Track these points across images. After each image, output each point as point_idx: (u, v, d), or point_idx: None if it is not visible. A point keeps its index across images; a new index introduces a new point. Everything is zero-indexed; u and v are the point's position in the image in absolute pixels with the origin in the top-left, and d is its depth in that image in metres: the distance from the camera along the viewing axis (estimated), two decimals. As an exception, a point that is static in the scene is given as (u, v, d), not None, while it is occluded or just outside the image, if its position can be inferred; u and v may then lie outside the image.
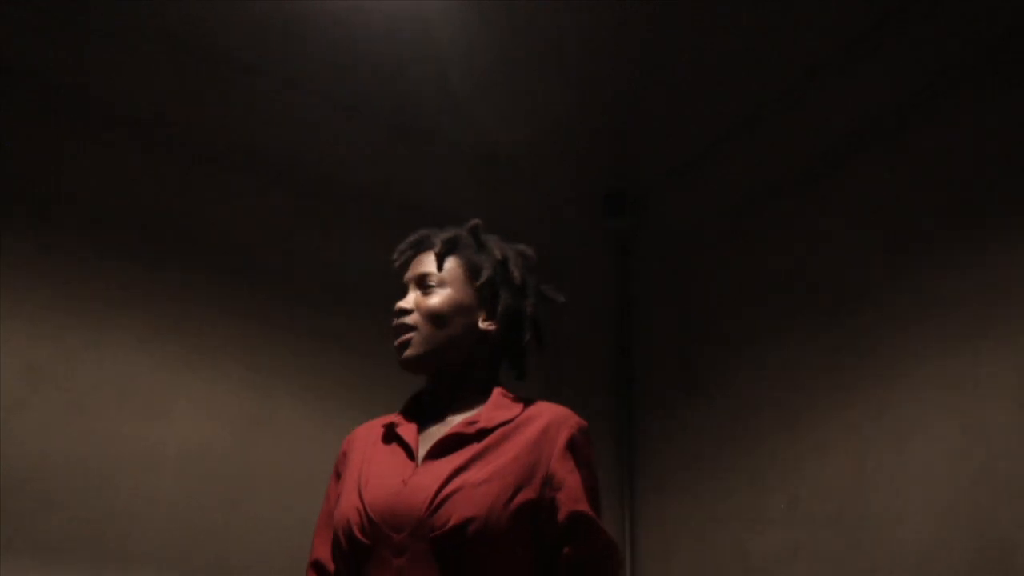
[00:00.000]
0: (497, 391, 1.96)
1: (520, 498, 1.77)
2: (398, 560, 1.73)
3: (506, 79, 3.71)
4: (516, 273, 2.02)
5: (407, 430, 1.91)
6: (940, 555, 2.98)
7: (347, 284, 3.79)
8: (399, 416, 1.97)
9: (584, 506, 1.80)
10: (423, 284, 1.98)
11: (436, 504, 1.74)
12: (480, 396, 1.95)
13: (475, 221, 2.07)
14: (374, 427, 1.99)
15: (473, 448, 1.83)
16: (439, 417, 1.94)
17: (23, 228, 3.30)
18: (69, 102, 3.46)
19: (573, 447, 1.85)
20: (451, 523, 1.72)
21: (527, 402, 1.94)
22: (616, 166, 4.21)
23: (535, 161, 4.10)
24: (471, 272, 1.99)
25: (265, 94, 3.70)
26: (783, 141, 3.76)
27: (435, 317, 1.94)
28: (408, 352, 1.93)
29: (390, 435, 1.93)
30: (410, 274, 2.01)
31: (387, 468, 1.85)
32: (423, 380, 2.01)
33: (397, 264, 2.06)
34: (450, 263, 1.99)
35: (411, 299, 1.97)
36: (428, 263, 2.00)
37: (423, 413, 1.97)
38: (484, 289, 1.99)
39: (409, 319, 1.95)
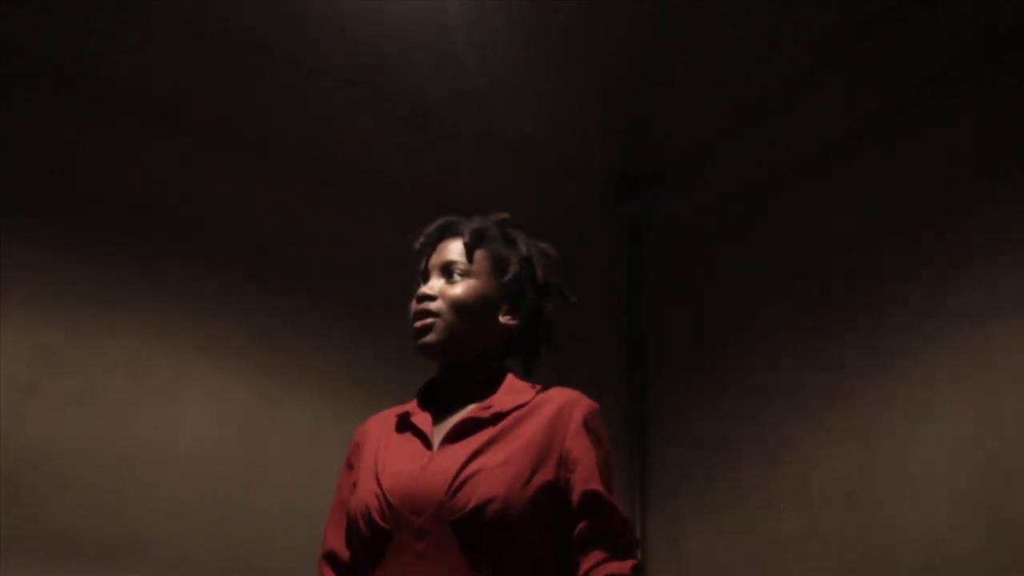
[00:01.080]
0: (510, 376, 1.99)
1: (537, 479, 1.80)
2: (419, 544, 1.75)
3: (518, 63, 3.71)
4: (540, 272, 2.04)
5: (421, 419, 1.93)
6: (952, 539, 3.01)
7: (359, 271, 3.81)
8: (412, 406, 1.98)
9: (598, 485, 1.83)
10: (448, 272, 1.98)
11: (456, 486, 1.76)
12: (492, 385, 1.97)
13: (504, 215, 2.08)
14: (387, 417, 2.00)
15: (489, 432, 1.85)
16: (453, 406, 1.95)
17: (37, 214, 3.32)
18: (82, 87, 3.48)
19: (587, 427, 1.89)
20: (471, 505, 1.74)
21: (539, 387, 1.97)
22: (628, 151, 4.19)
23: (546, 146, 4.07)
24: (498, 266, 2.00)
25: (276, 78, 3.71)
26: (798, 127, 3.77)
27: (460, 307, 1.94)
28: (428, 337, 1.93)
29: (404, 424, 1.95)
30: (435, 260, 2.01)
31: (404, 455, 1.87)
32: (434, 368, 2.03)
33: (419, 248, 2.06)
34: (478, 255, 2.00)
35: (435, 286, 1.97)
36: (455, 251, 2.00)
37: (436, 402, 1.98)
38: (509, 285, 2.00)
39: (433, 305, 1.95)
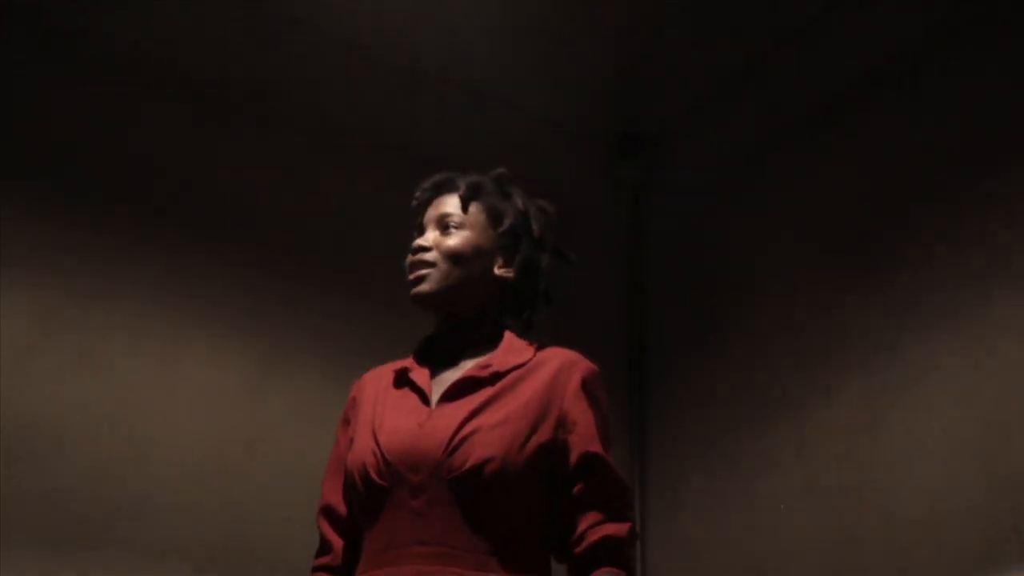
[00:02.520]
0: (509, 335, 1.98)
1: (535, 440, 1.80)
2: (415, 502, 1.76)
3: (515, 16, 3.69)
4: (536, 226, 2.03)
5: (419, 375, 1.93)
6: (950, 493, 3.03)
7: (357, 232, 3.80)
8: (410, 361, 1.98)
9: (597, 447, 1.84)
10: (443, 224, 1.98)
11: (453, 446, 1.77)
12: (491, 342, 1.97)
13: (501, 170, 2.08)
14: (384, 372, 2.00)
15: (487, 391, 1.85)
16: (451, 362, 1.95)
17: (35, 173, 3.31)
18: (80, 44, 3.46)
19: (586, 388, 1.89)
20: (468, 464, 1.75)
21: (539, 346, 1.97)
22: (627, 112, 4.17)
23: (544, 102, 4.05)
24: (493, 218, 2.01)
25: (274, 40, 3.70)
26: (801, 80, 3.76)
27: (454, 257, 1.95)
28: (422, 287, 1.94)
29: (402, 380, 1.95)
30: (431, 213, 2.02)
31: (401, 412, 1.87)
32: (432, 326, 2.02)
33: (417, 203, 2.05)
34: (473, 207, 2.00)
35: (430, 237, 1.98)
36: (451, 204, 2.00)
37: (434, 358, 1.98)
38: (504, 237, 2.00)
39: (428, 256, 1.95)
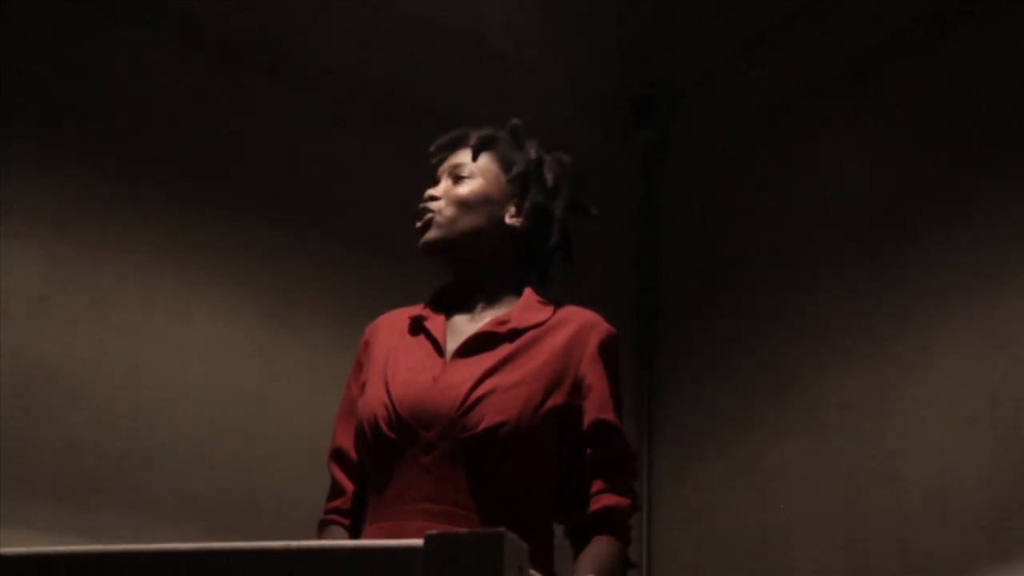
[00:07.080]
0: (528, 291, 1.95)
1: (550, 403, 1.80)
2: (425, 458, 1.76)
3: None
4: (549, 175, 1.99)
5: (435, 323, 1.91)
6: (960, 465, 3.04)
7: (368, 190, 3.80)
8: (425, 308, 1.95)
9: (610, 414, 1.84)
10: (455, 174, 1.97)
11: (468, 405, 1.76)
12: (507, 294, 1.94)
13: (515, 121, 2.05)
14: (399, 317, 1.98)
15: (504, 349, 1.84)
16: (466, 311, 1.93)
17: (49, 127, 3.31)
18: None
19: (603, 353, 1.88)
20: (482, 425, 1.74)
21: (557, 305, 1.93)
22: (643, 74, 4.14)
23: (559, 66, 4.02)
24: (504, 166, 1.98)
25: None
26: (818, 47, 3.73)
27: (461, 203, 1.92)
28: (429, 234, 1.92)
29: (417, 327, 1.92)
30: (444, 166, 2.00)
31: (415, 362, 1.86)
32: (446, 276, 2.00)
33: (434, 160, 2.03)
34: (484, 157, 1.98)
35: (441, 187, 1.96)
36: (463, 155, 1.99)
37: (449, 308, 1.95)
38: (515, 184, 1.97)
39: (434, 204, 1.93)
